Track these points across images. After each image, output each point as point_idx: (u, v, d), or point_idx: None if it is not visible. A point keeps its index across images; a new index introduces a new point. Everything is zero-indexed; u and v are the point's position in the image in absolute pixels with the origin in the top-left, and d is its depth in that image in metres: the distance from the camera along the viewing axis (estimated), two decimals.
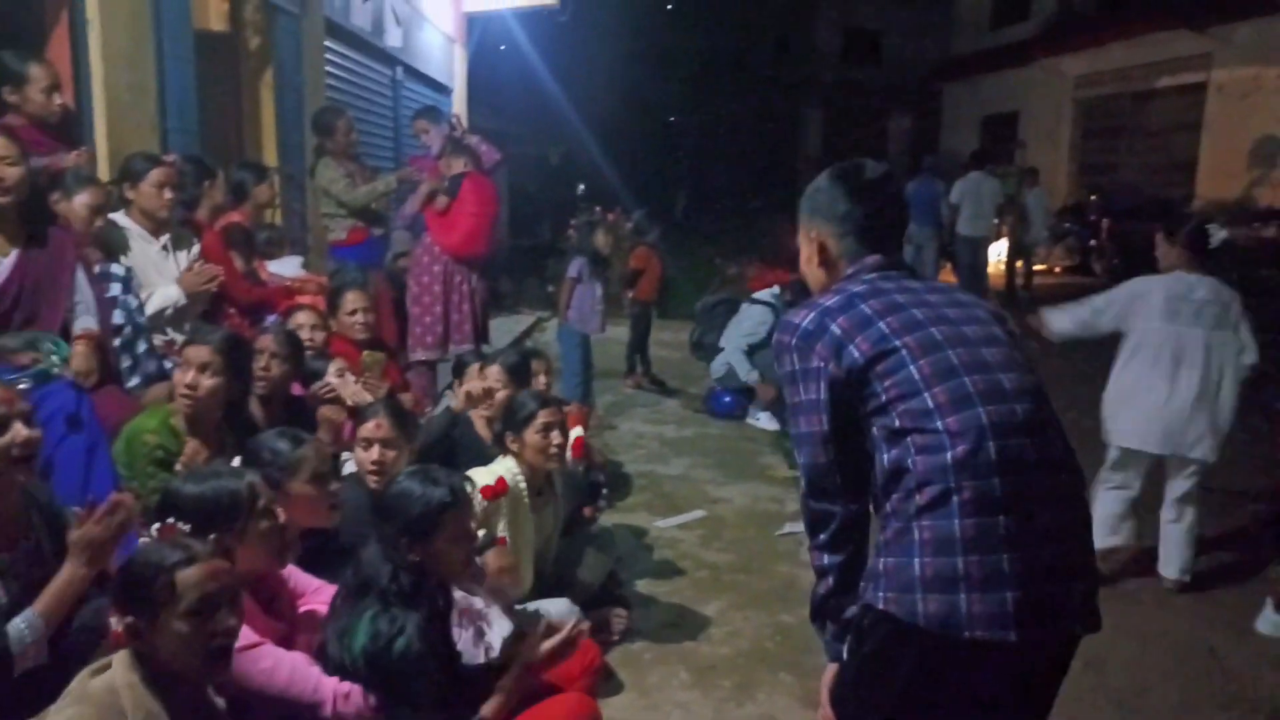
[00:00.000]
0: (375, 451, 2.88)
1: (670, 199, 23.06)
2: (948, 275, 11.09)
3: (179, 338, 3.32)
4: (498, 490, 3.00)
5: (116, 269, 3.29)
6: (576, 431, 3.92)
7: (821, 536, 1.68)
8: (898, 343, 1.59)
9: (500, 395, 3.67)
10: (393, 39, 8.18)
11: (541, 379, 4.44)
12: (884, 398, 1.57)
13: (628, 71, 27.03)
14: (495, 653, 2.35)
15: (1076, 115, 16.54)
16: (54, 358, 2.69)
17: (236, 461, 2.23)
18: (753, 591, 3.89)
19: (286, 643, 2.00)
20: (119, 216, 3.51)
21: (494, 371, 3.78)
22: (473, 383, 3.71)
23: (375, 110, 8.05)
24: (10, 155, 2.84)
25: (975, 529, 1.49)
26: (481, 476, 3.08)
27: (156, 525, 1.74)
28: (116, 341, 3.17)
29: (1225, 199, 12.51)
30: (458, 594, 2.65)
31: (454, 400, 4.05)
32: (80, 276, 3.04)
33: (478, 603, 2.71)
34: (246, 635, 1.81)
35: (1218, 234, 3.70)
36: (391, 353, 4.47)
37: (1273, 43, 12.36)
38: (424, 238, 5.63)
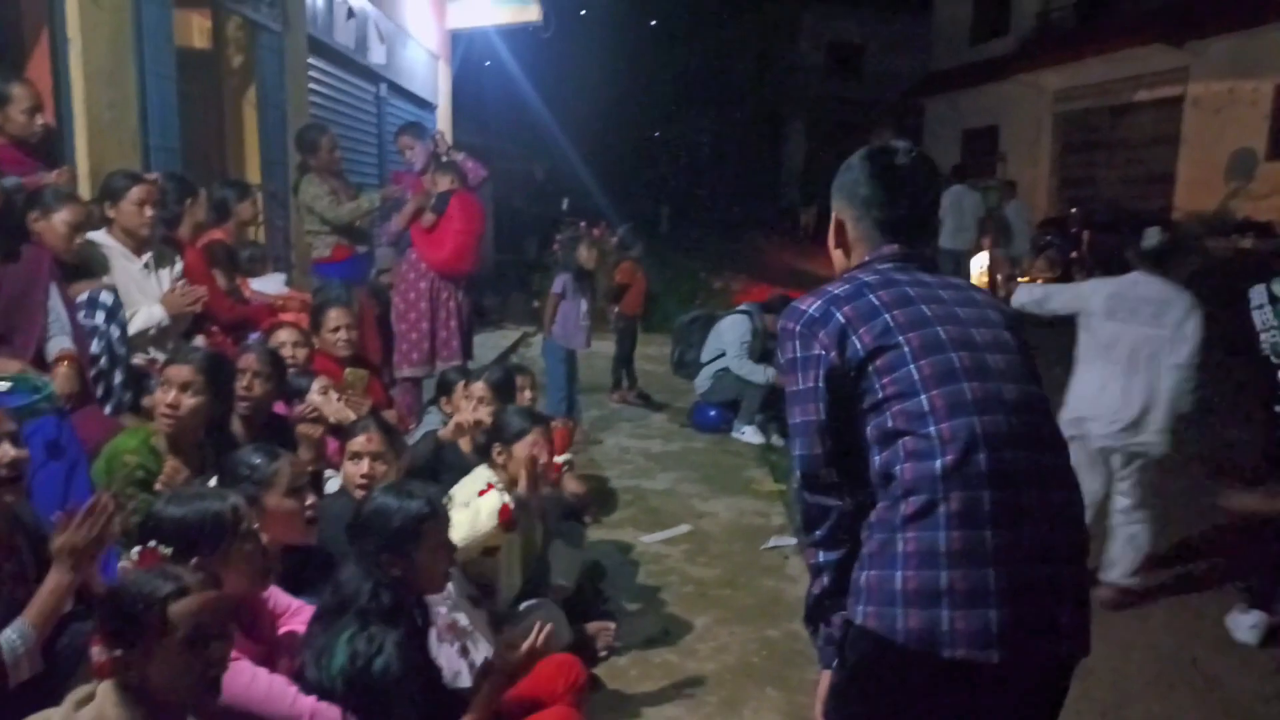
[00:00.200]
0: (365, 465, 2.88)
1: (655, 213, 23.14)
2: None
3: (161, 357, 3.30)
4: (506, 518, 2.96)
5: (105, 297, 3.23)
6: (562, 458, 3.94)
7: (818, 533, 1.61)
8: (900, 338, 1.53)
9: (485, 412, 3.66)
10: (376, 56, 8.19)
11: (527, 394, 4.44)
12: (880, 395, 1.52)
13: (612, 87, 27.18)
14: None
15: (1056, 129, 16.71)
16: (38, 395, 2.67)
17: (212, 481, 2.21)
18: (738, 606, 3.89)
19: (267, 665, 1.98)
20: (100, 235, 3.49)
21: (478, 388, 3.78)
22: (464, 414, 3.67)
23: (359, 127, 8.06)
24: None
25: (961, 542, 1.44)
26: (467, 485, 3.09)
27: (137, 549, 1.71)
28: (91, 372, 3.14)
29: (1204, 211, 12.65)
30: (442, 610, 2.65)
31: (438, 416, 4.05)
32: (55, 296, 3.02)
33: (463, 619, 2.71)
34: None
35: (1151, 237, 3.82)
36: (375, 370, 4.46)
37: (1246, 58, 12.55)
38: (409, 254, 5.64)
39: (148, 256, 3.59)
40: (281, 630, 2.17)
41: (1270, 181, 12.33)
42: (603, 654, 3.34)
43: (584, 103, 23.89)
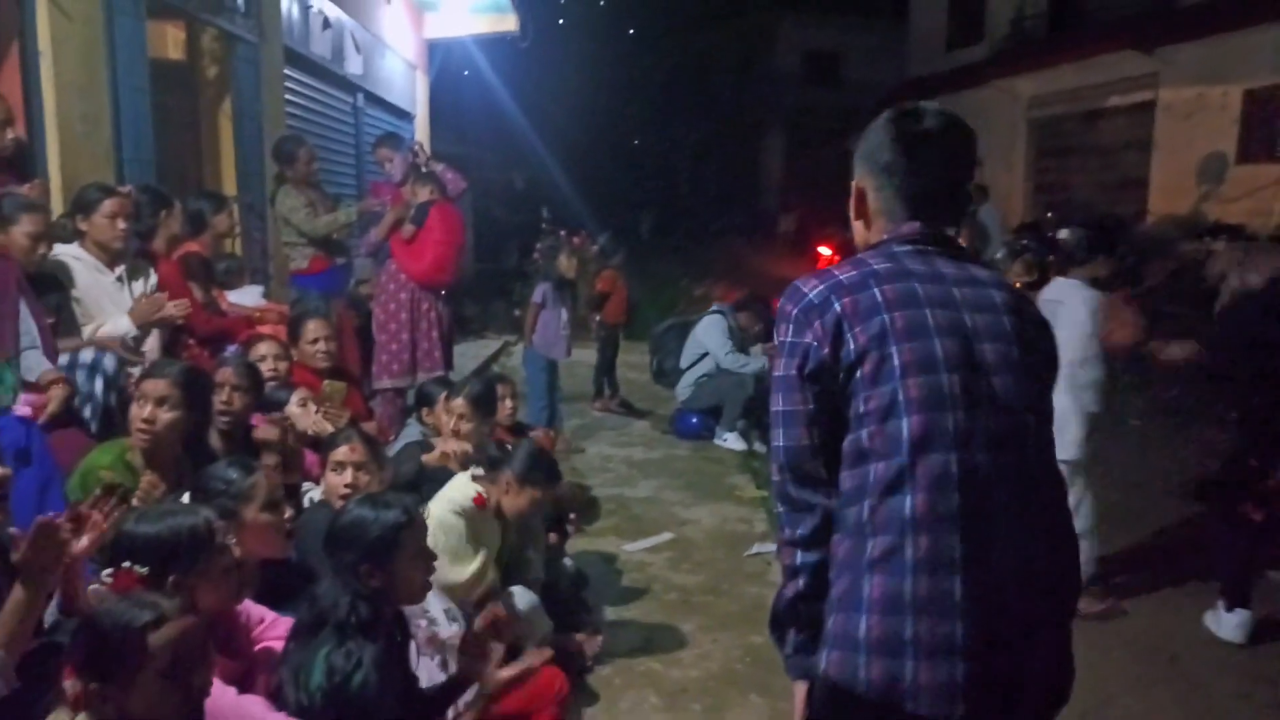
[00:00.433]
0: (349, 475, 2.87)
1: (635, 221, 23.18)
2: None
3: (135, 371, 3.27)
4: (479, 502, 3.10)
5: (108, 363, 3.15)
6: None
7: (800, 530, 1.47)
8: (892, 348, 1.40)
9: (465, 427, 3.65)
10: (353, 66, 8.17)
11: (508, 403, 4.44)
12: (862, 408, 1.40)
13: (591, 96, 27.25)
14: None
15: (1031, 135, 16.88)
16: (2, 387, 2.64)
17: (185, 497, 2.19)
18: (722, 613, 3.89)
19: (244, 682, 1.96)
20: (72, 248, 3.46)
21: (459, 404, 3.76)
22: (449, 444, 3.65)
23: (336, 137, 8.03)
24: None
25: (928, 590, 1.34)
26: (455, 492, 3.11)
27: (109, 571, 1.68)
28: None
29: (1177, 214, 12.82)
30: (422, 623, 2.63)
31: (418, 427, 4.03)
32: (23, 308, 2.98)
33: (444, 632, 2.69)
34: None
35: (1061, 233, 3.91)
36: (355, 381, 4.43)
37: (1215, 63, 12.74)
38: (389, 265, 5.62)
39: (121, 270, 3.56)
40: (258, 646, 2.15)
41: (1241, 185, 12.51)
42: (590, 665, 3.34)
43: (563, 112, 23.94)
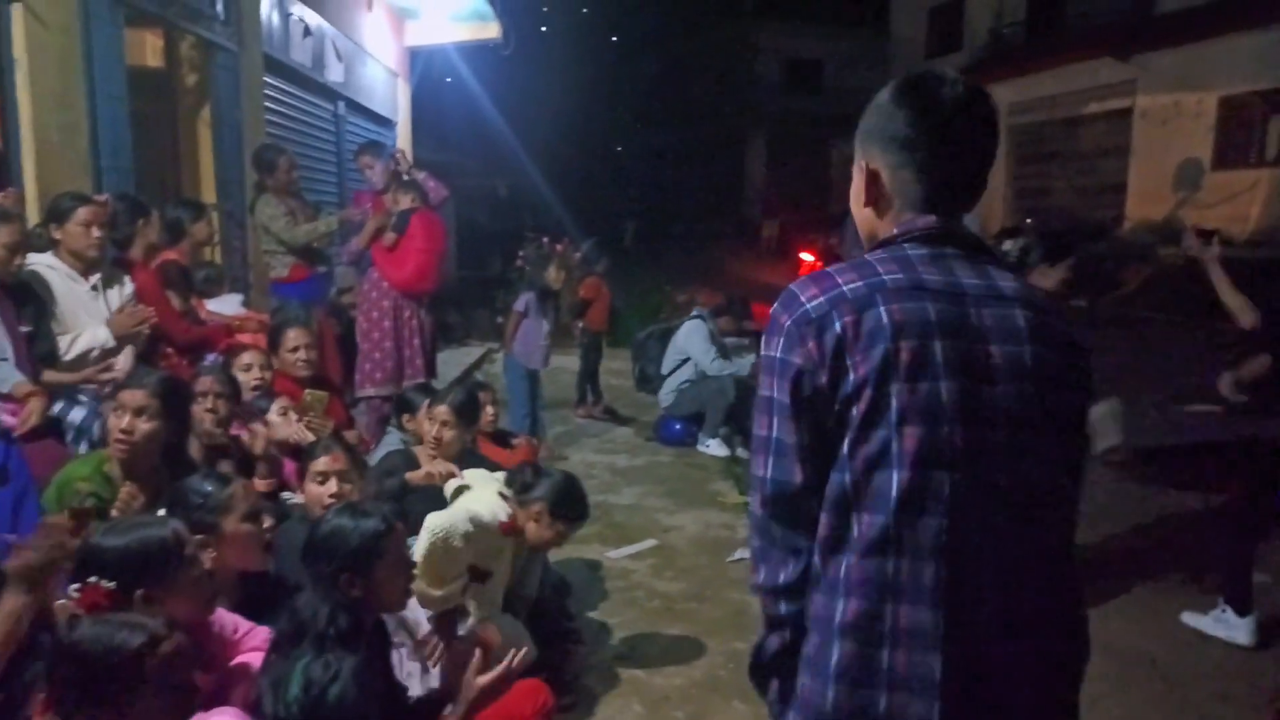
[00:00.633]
0: (333, 485, 2.85)
1: (618, 228, 23.20)
2: None
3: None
4: (506, 529, 2.96)
5: (75, 415, 3.14)
6: None
7: (783, 577, 1.29)
8: (892, 388, 1.21)
9: (449, 435, 3.63)
10: (334, 74, 8.15)
11: (488, 410, 4.43)
12: (849, 451, 1.23)
13: (574, 103, 27.29)
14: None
15: (1011, 141, 17.04)
16: None
17: (161, 513, 2.17)
18: (705, 620, 3.89)
19: (220, 696, 1.94)
20: (47, 257, 3.43)
21: (442, 411, 3.74)
22: (437, 464, 3.61)
23: (317, 145, 8.00)
24: None
25: (905, 667, 1.21)
26: (483, 506, 2.99)
27: (76, 586, 1.65)
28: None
29: (1154, 219, 12.98)
30: (405, 630, 2.62)
31: (398, 435, 4.01)
32: None
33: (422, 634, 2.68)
34: None
35: (1005, 244, 3.94)
36: (336, 390, 4.41)
37: (1191, 71, 12.92)
38: (371, 273, 5.60)
39: (96, 278, 3.53)
40: (235, 660, 2.13)
41: (1217, 190, 12.67)
42: (574, 678, 3.31)
43: (546, 119, 23.96)
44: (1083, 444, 1.35)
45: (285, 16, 6.99)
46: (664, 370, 6.97)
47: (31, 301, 3.28)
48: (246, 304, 5.07)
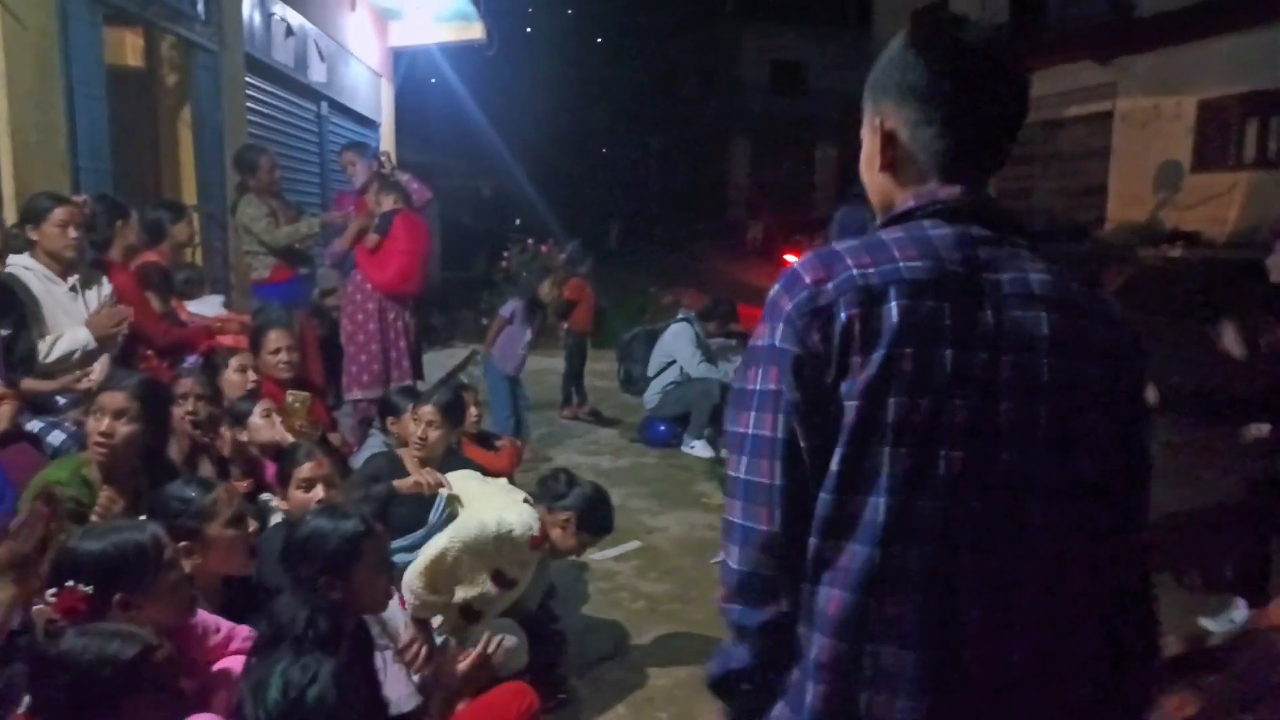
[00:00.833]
0: (319, 490, 2.82)
1: (603, 229, 23.19)
2: None
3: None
4: (535, 544, 2.95)
5: (59, 440, 3.07)
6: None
7: (765, 615, 1.15)
8: (890, 400, 1.05)
9: (434, 435, 3.61)
10: (317, 74, 8.10)
11: (471, 411, 4.41)
12: (836, 466, 1.08)
13: (559, 104, 27.25)
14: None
15: None
16: None
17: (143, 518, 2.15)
18: (690, 620, 3.89)
19: (200, 700, 1.92)
20: (23, 258, 3.39)
21: (427, 411, 3.72)
22: (423, 474, 3.58)
23: (300, 145, 7.96)
24: None
25: (884, 710, 1.08)
26: (514, 517, 2.94)
27: (52, 592, 1.62)
28: None
29: (1135, 221, 13.09)
30: (387, 631, 2.61)
31: (380, 438, 3.99)
32: None
33: (404, 637, 2.68)
34: None
35: None
36: (318, 391, 4.39)
37: (1170, 74, 13.04)
38: (355, 275, 5.58)
39: (74, 279, 3.49)
40: (216, 667, 2.11)
41: (1196, 192, 12.79)
42: (561, 694, 3.28)
43: (531, 120, 23.93)
44: (1133, 467, 1.15)
45: (267, 16, 6.95)
46: (650, 372, 6.98)
47: (12, 310, 3.23)
48: (228, 305, 5.03)
